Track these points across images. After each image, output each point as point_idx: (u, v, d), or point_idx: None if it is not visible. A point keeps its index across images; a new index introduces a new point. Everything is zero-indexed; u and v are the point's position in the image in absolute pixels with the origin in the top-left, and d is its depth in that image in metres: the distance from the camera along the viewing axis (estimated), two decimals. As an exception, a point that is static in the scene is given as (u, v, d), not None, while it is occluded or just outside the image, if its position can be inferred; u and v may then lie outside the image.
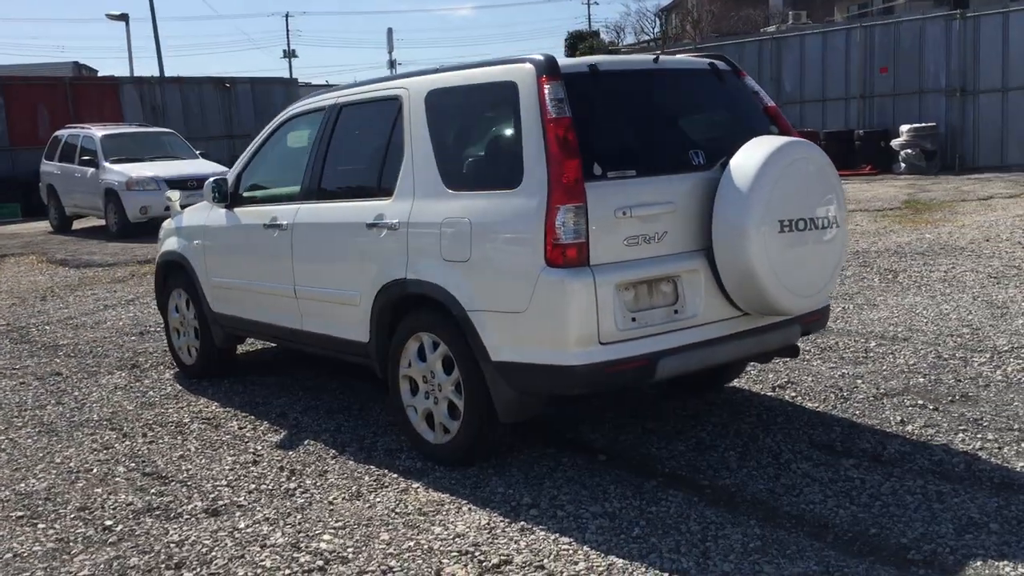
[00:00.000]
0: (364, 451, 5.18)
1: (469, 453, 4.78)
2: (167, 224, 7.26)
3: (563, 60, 4.51)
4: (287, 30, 71.81)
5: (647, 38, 57.86)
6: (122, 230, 17.24)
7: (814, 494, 4.28)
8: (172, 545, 4.12)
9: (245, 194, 6.37)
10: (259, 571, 3.83)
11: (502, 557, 3.79)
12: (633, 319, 4.34)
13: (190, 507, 4.54)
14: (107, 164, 17.69)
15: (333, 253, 5.42)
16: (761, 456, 4.76)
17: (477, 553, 3.85)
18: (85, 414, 6.22)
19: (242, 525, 4.29)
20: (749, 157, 4.49)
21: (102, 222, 18.32)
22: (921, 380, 5.84)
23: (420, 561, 3.82)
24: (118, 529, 4.33)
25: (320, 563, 3.85)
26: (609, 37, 57.85)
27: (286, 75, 46.31)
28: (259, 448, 5.34)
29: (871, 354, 6.51)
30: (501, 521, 4.15)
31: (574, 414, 5.49)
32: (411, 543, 3.99)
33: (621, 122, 4.57)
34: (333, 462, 5.03)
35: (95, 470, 5.14)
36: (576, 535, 3.96)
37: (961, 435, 4.91)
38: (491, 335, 4.46)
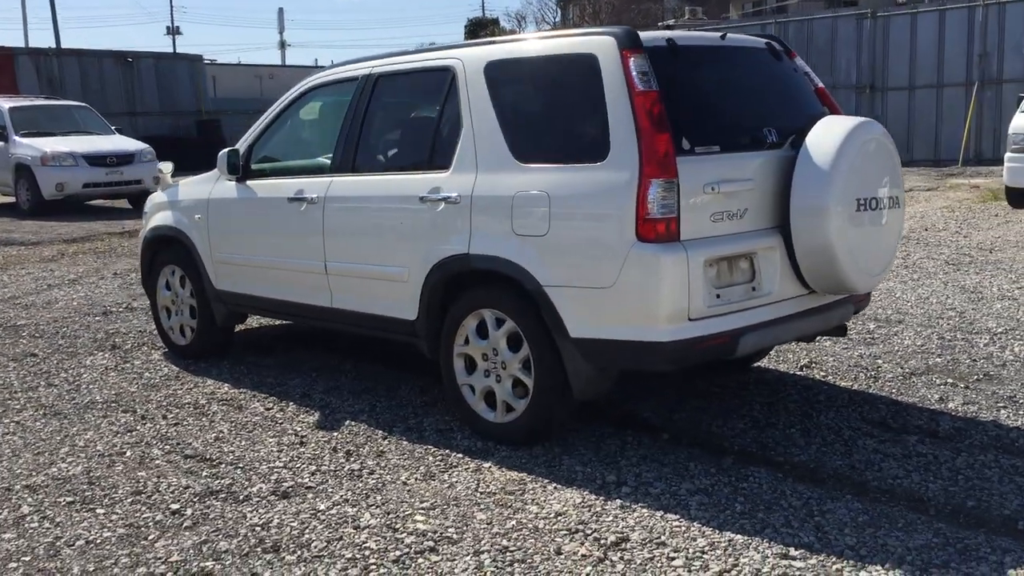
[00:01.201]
0: (413, 431, 5.03)
1: (536, 432, 4.69)
2: (156, 197, 6.92)
3: (643, 34, 4.45)
4: (171, 6, 69.29)
5: (547, 27, 58.05)
6: (35, 208, 16.43)
7: (893, 469, 4.34)
8: (257, 528, 3.93)
9: (258, 167, 6.11)
10: (366, 553, 3.68)
11: (617, 535, 3.73)
12: (717, 295, 4.33)
13: (255, 489, 4.33)
14: (17, 138, 16.79)
15: (375, 228, 5.24)
16: (823, 433, 4.81)
17: (588, 531, 3.78)
18: (85, 396, 5.88)
19: (322, 507, 4.11)
20: (826, 136, 4.51)
21: (10, 199, 17.39)
22: (938, 360, 6.01)
23: (532, 540, 3.72)
24: (189, 513, 4.10)
25: (429, 543, 3.72)
26: (510, 25, 57.82)
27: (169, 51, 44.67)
28: (298, 429, 5.13)
29: (877, 336, 6.66)
30: (595, 500, 4.08)
31: (620, 392, 5.42)
32: (512, 522, 3.89)
33: (700, 97, 4.54)
34: (385, 443, 4.88)
35: (128, 453, 4.86)
36: (681, 512, 3.93)
37: (1004, 412, 5.05)
38: (570, 311, 4.38)
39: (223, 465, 4.65)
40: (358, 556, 3.65)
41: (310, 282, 5.64)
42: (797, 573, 3.40)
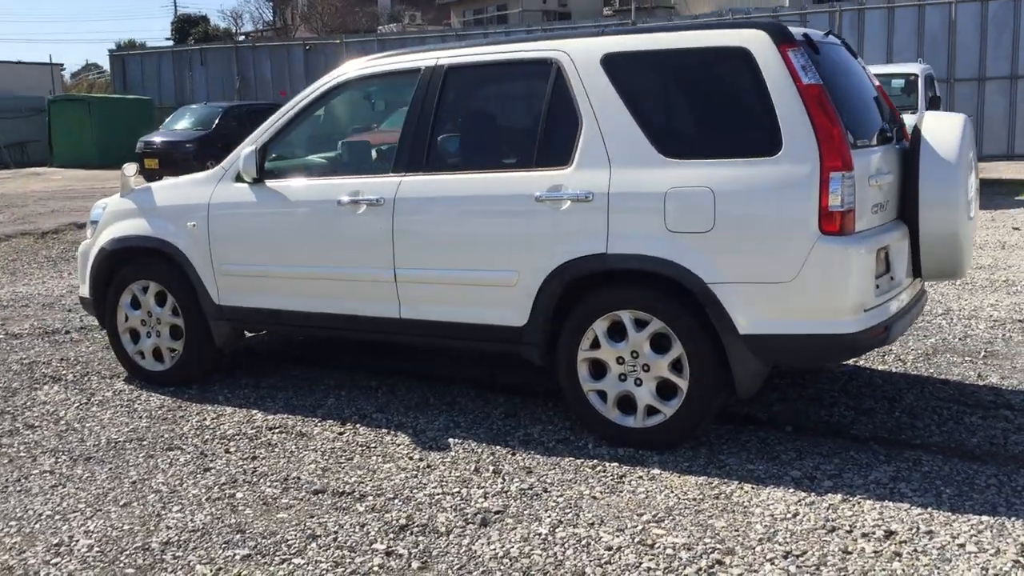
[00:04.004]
0: (535, 443, 4.76)
1: (684, 434, 4.58)
2: (114, 204, 6.07)
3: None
4: None
5: (263, 27, 56.38)
6: None
7: (1024, 443, 4.63)
8: (503, 559, 3.57)
9: (277, 167, 5.53)
10: (655, 572, 3.44)
11: (880, 529, 3.72)
12: (877, 286, 4.43)
13: (443, 519, 3.93)
14: None
15: (471, 231, 4.89)
16: (926, 414, 5.04)
17: (848, 527, 3.74)
18: (93, 435, 5.08)
19: (543, 531, 3.80)
20: (942, 130, 4.74)
21: None
22: (952, 340, 6.46)
23: (803, 543, 3.64)
24: (406, 553, 3.64)
25: (716, 556, 3.54)
26: (226, 24, 55.57)
27: None
28: (404, 452, 4.70)
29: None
30: (806, 496, 4.05)
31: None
32: (759, 526, 3.79)
33: (843, 91, 4.62)
34: (520, 458, 4.58)
35: (240, 495, 4.25)
36: (908, 501, 3.97)
37: (1044, 382, 5.53)
38: (740, 308, 4.32)
39: (371, 497, 4.17)
40: (653, 577, 3.39)
41: (370, 292, 5.16)
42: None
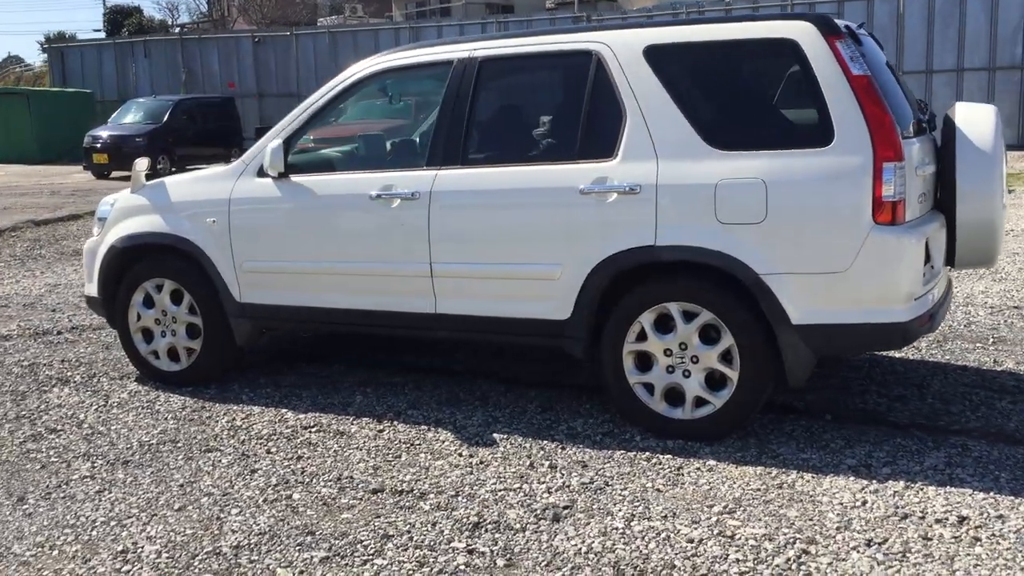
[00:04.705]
0: (580, 437, 4.74)
1: (734, 425, 4.60)
2: (124, 200, 5.92)
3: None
4: None
5: (198, 19, 55.40)
6: None
7: (1066, 424, 4.74)
8: (588, 555, 3.55)
9: (301, 161, 5.43)
10: (747, 566, 3.45)
11: (956, 515, 3.76)
12: (924, 275, 4.49)
13: (513, 516, 3.89)
14: None
15: (512, 224, 4.85)
16: (957, 400, 5.13)
17: (919, 513, 3.79)
18: (125, 438, 4.94)
19: (619, 525, 3.79)
20: (976, 120, 4.82)
21: None
22: (958, 327, 6.58)
23: (880, 530, 3.67)
24: (487, 551, 3.60)
25: (800, 546, 3.56)
26: (162, 15, 54.52)
27: None
28: (452, 448, 4.66)
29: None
30: (868, 484, 4.08)
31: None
32: (832, 515, 3.81)
33: (886, 83, 4.66)
34: (570, 452, 4.56)
35: (296, 496, 4.16)
36: (969, 486, 4.03)
37: (1060, 367, 5.67)
38: (793, 298, 4.35)
39: (432, 495, 4.12)
40: (747, 570, 3.40)
41: (404, 287, 5.10)
42: None
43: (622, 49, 4.69)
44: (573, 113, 4.82)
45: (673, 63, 4.61)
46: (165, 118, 21.98)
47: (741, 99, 4.64)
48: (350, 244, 5.17)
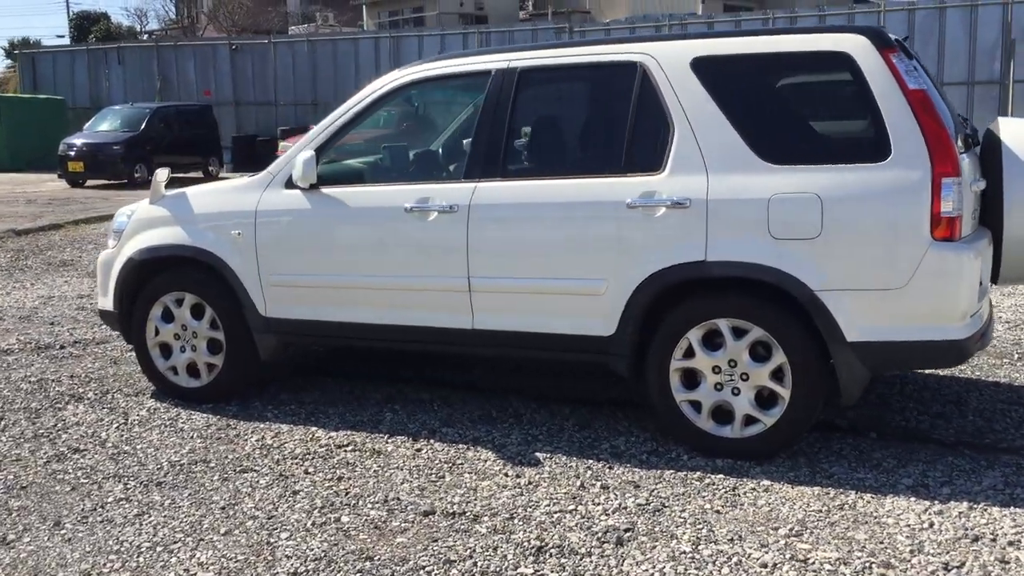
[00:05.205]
0: (625, 456, 4.65)
1: (783, 443, 4.53)
2: (143, 211, 5.74)
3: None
4: None
5: (167, 26, 54.93)
6: None
7: (1112, 442, 4.71)
8: (668, 582, 3.44)
9: (330, 173, 5.30)
10: (829, 590, 3.36)
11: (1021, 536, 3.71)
12: (978, 292, 4.44)
13: (575, 539, 3.79)
14: None
15: (555, 239, 4.75)
16: (997, 417, 5.09)
17: (990, 535, 3.73)
18: (154, 458, 4.78)
19: (686, 549, 3.68)
20: (1020, 135, 4.78)
21: None
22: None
23: (954, 553, 3.61)
24: (560, 572, 3.49)
25: (878, 570, 3.48)
26: (129, 21, 53.95)
27: None
28: (496, 469, 4.55)
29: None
30: (930, 505, 4.02)
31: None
32: (901, 537, 3.74)
33: (937, 97, 4.62)
34: (619, 472, 4.47)
35: (344, 519, 4.03)
36: (1032, 504, 3.99)
37: (1092, 384, 5.66)
38: (849, 315, 4.28)
39: (486, 518, 4.00)
40: (827, 594, 3.31)
41: (440, 302, 4.98)
42: None
43: (668, 61, 4.61)
44: (617, 125, 4.72)
45: (722, 75, 4.54)
46: (142, 126, 21.66)
47: (793, 113, 4.57)
48: (384, 257, 5.05)
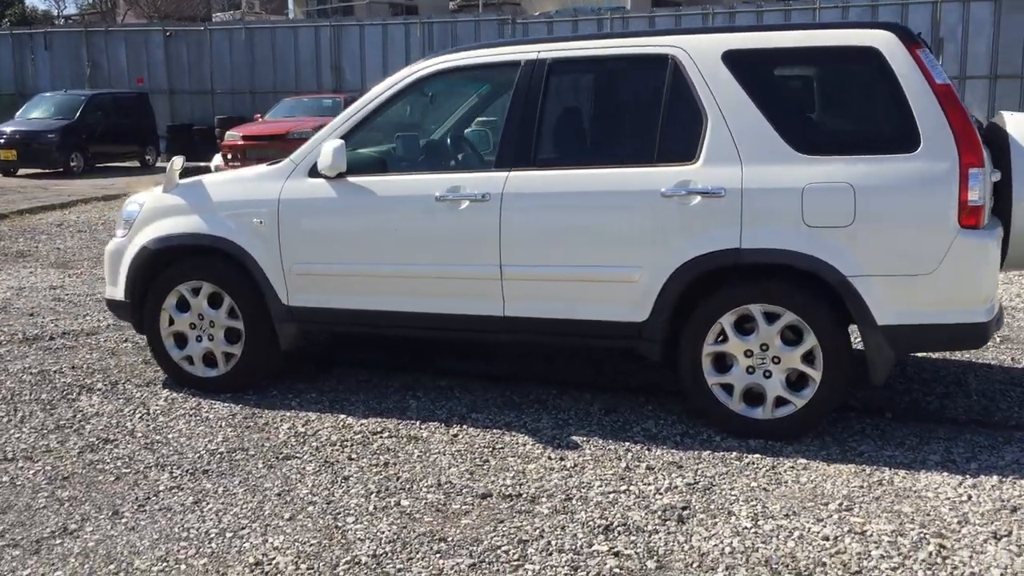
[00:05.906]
0: (664, 439, 4.79)
1: (811, 424, 4.71)
2: (156, 199, 5.69)
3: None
4: None
5: (86, 10, 53.42)
6: None
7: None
8: (734, 555, 3.59)
9: (355, 161, 5.32)
10: (894, 565, 3.54)
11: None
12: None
13: (635, 519, 3.91)
14: None
15: (590, 227, 4.86)
16: (1000, 396, 5.35)
17: (1027, 508, 3.95)
18: (191, 448, 4.77)
19: (747, 524, 3.83)
20: (1026, 130, 5.03)
21: None
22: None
23: (1000, 523, 3.81)
24: (633, 554, 3.61)
25: (936, 541, 3.67)
26: (46, 5, 52.36)
27: None
28: (538, 452, 4.65)
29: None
30: (964, 480, 4.22)
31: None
32: (945, 510, 3.94)
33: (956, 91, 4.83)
34: (664, 454, 4.60)
35: (404, 502, 4.09)
36: (1060, 477, 4.23)
37: (1076, 365, 5.98)
38: (879, 300, 4.48)
39: (544, 499, 4.10)
40: (897, 565, 3.49)
41: (470, 290, 5.05)
42: None
43: (699, 54, 4.74)
44: (649, 117, 4.84)
45: (753, 68, 4.69)
46: (78, 114, 21.12)
47: (825, 105, 4.75)
48: (413, 246, 5.09)
